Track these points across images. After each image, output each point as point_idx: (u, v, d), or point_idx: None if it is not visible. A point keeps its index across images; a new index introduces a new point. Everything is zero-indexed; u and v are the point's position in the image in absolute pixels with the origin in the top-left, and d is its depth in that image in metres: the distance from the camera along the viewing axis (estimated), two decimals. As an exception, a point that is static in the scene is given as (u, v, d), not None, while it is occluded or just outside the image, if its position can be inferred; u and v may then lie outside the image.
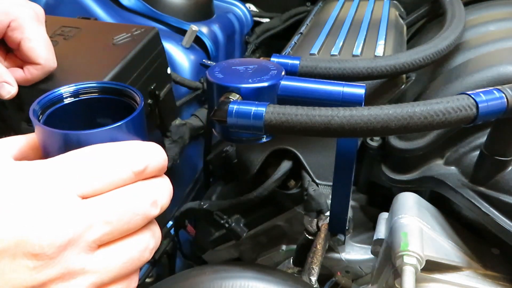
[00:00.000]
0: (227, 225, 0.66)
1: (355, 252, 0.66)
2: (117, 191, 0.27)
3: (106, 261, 0.26)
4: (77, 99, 0.32)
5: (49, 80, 0.52)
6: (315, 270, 0.55)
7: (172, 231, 0.79)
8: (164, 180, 0.30)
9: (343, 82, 0.43)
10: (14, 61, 0.51)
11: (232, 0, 1.07)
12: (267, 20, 1.11)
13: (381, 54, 0.63)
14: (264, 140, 0.45)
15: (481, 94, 0.39)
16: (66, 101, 0.31)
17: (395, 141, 0.60)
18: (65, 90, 0.31)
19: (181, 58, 0.81)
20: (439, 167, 0.56)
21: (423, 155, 0.58)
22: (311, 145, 0.62)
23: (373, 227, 0.61)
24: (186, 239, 0.86)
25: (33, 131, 0.29)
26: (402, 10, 0.93)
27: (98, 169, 0.26)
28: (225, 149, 0.69)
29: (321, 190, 0.62)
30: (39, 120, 0.29)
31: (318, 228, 0.60)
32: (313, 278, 0.54)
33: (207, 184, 0.85)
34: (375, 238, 0.52)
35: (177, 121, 0.74)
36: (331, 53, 0.65)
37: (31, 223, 0.23)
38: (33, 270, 0.23)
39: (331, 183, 0.60)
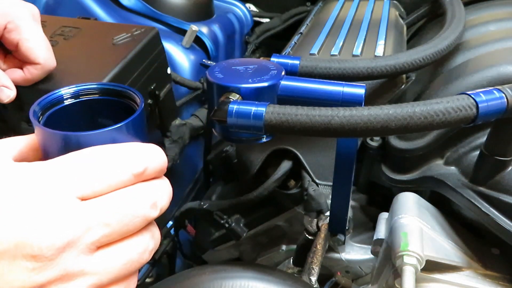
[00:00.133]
0: (227, 225, 0.66)
1: (355, 252, 0.66)
2: (116, 193, 0.27)
3: (105, 263, 0.26)
4: (77, 100, 0.32)
5: (49, 80, 0.52)
6: (315, 270, 0.55)
7: (172, 231, 0.79)
8: (164, 181, 0.30)
9: (343, 82, 0.43)
10: (13, 62, 0.51)
11: (232, 0, 1.07)
12: (267, 20, 1.11)
13: (381, 54, 0.63)
14: (264, 140, 0.45)
15: (481, 94, 0.39)
16: (67, 102, 0.31)
17: (395, 141, 0.60)
18: (66, 91, 0.31)
19: (181, 58, 0.81)
20: (439, 167, 0.56)
21: (423, 155, 0.58)
22: (311, 145, 0.62)
23: (373, 227, 0.61)
24: (186, 239, 0.86)
25: (33, 132, 0.29)
26: (402, 10, 0.93)
27: (97, 171, 0.26)
28: (225, 149, 0.69)
29: (321, 190, 0.62)
30: (39, 121, 0.29)
31: (318, 228, 0.60)
32: (313, 278, 0.54)
33: (207, 184, 0.85)
34: (375, 238, 0.52)
35: (177, 121, 0.74)
36: (331, 53, 0.65)
37: (30, 225, 0.23)
38: (32, 272, 0.23)
39: (331, 183, 0.60)
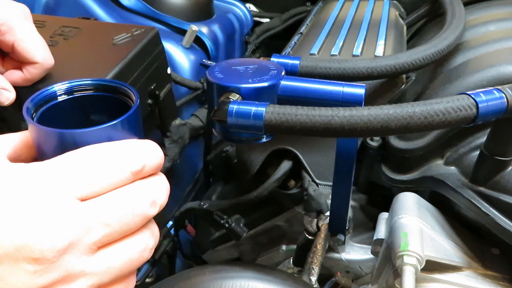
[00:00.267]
0: (227, 225, 0.66)
1: (355, 252, 0.66)
2: (115, 192, 0.26)
3: (106, 263, 0.26)
4: (71, 96, 0.31)
5: (48, 80, 0.52)
6: (315, 270, 0.55)
7: (172, 231, 0.79)
8: (161, 178, 0.29)
9: (343, 82, 0.43)
10: (11, 64, 0.50)
11: (232, 0, 1.07)
12: (267, 20, 1.11)
13: (381, 54, 0.63)
14: (264, 140, 0.45)
15: (481, 94, 0.39)
16: (60, 98, 0.31)
17: (395, 141, 0.60)
18: (59, 87, 0.31)
19: (181, 58, 0.81)
20: (439, 167, 0.56)
21: (423, 155, 0.58)
22: (311, 145, 0.62)
23: (373, 227, 0.61)
24: (186, 239, 0.86)
25: None
26: (402, 10, 0.93)
27: (96, 171, 0.26)
28: (225, 149, 0.69)
29: (321, 190, 0.62)
30: (32, 118, 0.28)
31: (318, 228, 0.60)
32: (313, 278, 0.54)
33: (207, 184, 0.85)
34: (375, 238, 0.52)
35: (177, 121, 0.74)
36: (331, 53, 0.65)
37: (31, 228, 0.23)
38: (34, 274, 0.23)
39: (331, 183, 0.60)
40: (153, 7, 0.85)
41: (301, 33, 0.77)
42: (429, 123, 0.37)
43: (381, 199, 0.66)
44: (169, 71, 0.69)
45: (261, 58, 0.50)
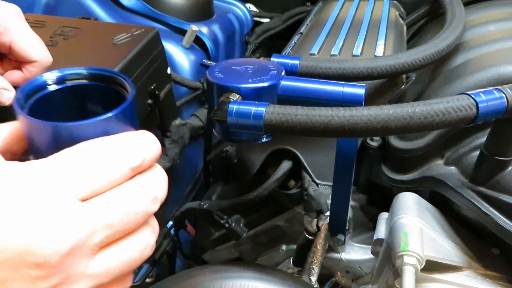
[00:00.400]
0: (227, 225, 0.66)
1: (355, 252, 0.66)
2: (116, 190, 0.26)
3: (106, 264, 0.25)
4: (62, 86, 0.29)
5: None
6: (315, 270, 0.55)
7: (172, 231, 0.79)
8: (159, 171, 0.28)
9: (343, 82, 0.43)
10: (10, 64, 0.50)
11: (232, 0, 1.07)
12: (267, 20, 1.11)
13: (381, 54, 0.63)
14: (264, 140, 0.45)
15: (481, 94, 0.39)
16: (51, 88, 0.29)
17: (395, 141, 0.60)
18: (49, 76, 0.29)
19: (181, 58, 0.81)
20: (439, 167, 0.56)
21: (423, 155, 0.58)
22: (311, 145, 0.62)
23: (373, 227, 0.61)
24: (186, 239, 0.86)
25: None
26: (402, 10, 0.93)
27: (96, 170, 0.25)
28: (225, 149, 0.69)
29: (321, 190, 0.62)
30: (22, 110, 0.27)
31: (318, 228, 0.60)
32: (313, 278, 0.54)
33: (207, 184, 0.85)
34: (375, 238, 0.52)
35: (177, 121, 0.74)
36: (331, 53, 0.65)
37: (33, 232, 0.23)
38: (36, 279, 0.23)
39: (331, 183, 0.60)
40: (153, 7, 0.85)
41: (301, 33, 0.77)
42: (429, 123, 0.37)
43: (381, 199, 0.66)
44: (169, 71, 0.69)
45: (261, 58, 0.50)
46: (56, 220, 0.23)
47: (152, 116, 0.66)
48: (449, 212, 0.54)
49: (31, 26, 0.49)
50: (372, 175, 0.65)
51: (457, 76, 0.57)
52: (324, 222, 0.59)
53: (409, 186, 0.59)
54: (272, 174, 0.63)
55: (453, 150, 0.56)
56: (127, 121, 0.27)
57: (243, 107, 0.39)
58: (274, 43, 1.07)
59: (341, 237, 0.59)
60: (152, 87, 0.63)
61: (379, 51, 0.64)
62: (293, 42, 0.73)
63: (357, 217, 0.66)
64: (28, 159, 0.28)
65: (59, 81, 0.29)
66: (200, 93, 0.82)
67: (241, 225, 0.67)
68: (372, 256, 0.58)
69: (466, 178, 0.51)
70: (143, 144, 0.27)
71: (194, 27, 0.81)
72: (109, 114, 0.26)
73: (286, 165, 0.64)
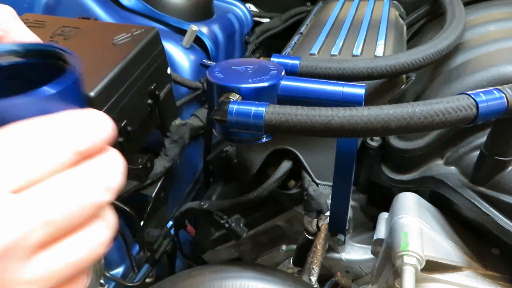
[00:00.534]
0: (227, 225, 0.66)
1: (355, 252, 0.66)
2: (58, 179, 0.21)
3: (48, 266, 0.21)
4: None
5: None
6: (315, 270, 0.55)
7: (172, 231, 0.79)
8: (113, 154, 0.24)
9: (343, 82, 0.43)
10: None
11: (232, 0, 1.07)
12: (267, 20, 1.11)
13: (381, 54, 0.63)
14: (264, 140, 0.45)
15: (481, 94, 0.39)
16: None
17: (395, 141, 0.60)
18: None
19: (181, 58, 0.81)
20: (439, 167, 0.56)
21: (423, 155, 0.58)
22: (311, 145, 0.62)
23: (373, 227, 0.61)
24: (186, 239, 0.86)
25: None
26: (402, 10, 0.93)
27: (32, 154, 0.21)
28: (225, 149, 0.69)
29: (321, 190, 0.62)
30: None
31: (318, 228, 0.60)
32: (313, 278, 0.54)
33: (207, 184, 0.85)
34: (375, 238, 0.52)
35: (177, 121, 0.74)
36: (331, 53, 0.65)
37: None
38: None
39: (331, 183, 0.60)
40: (153, 7, 0.85)
41: (301, 33, 0.77)
42: (429, 123, 0.37)
43: (381, 199, 0.66)
44: (169, 71, 0.69)
45: (261, 58, 0.50)
46: None
47: (152, 116, 0.66)
48: (449, 212, 0.54)
49: (31, 26, 0.49)
50: (372, 175, 0.65)
51: (457, 76, 0.57)
52: (324, 222, 0.59)
53: (409, 186, 0.59)
54: (272, 174, 0.63)
55: (453, 150, 0.56)
56: (72, 99, 0.23)
57: (243, 107, 0.39)
58: (274, 43, 1.07)
59: (341, 237, 0.60)
60: (152, 87, 0.63)
61: (379, 51, 0.64)
62: (293, 42, 0.73)
63: (357, 217, 0.66)
64: None
65: None
66: (200, 93, 0.82)
67: (241, 225, 0.67)
68: (372, 256, 0.58)
69: (466, 178, 0.51)
70: (92, 124, 0.23)
71: (194, 27, 0.81)
72: (47, 88, 0.22)
73: (286, 165, 0.64)
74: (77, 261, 0.22)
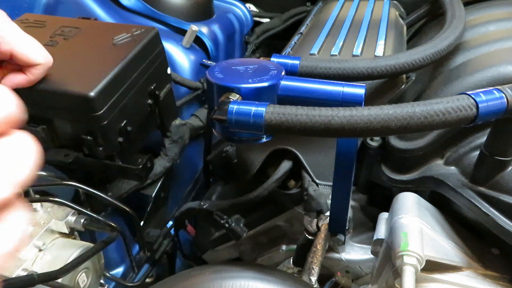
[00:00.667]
0: (227, 225, 0.66)
1: (355, 252, 0.66)
2: None
3: None
4: None
5: (48, 79, 0.52)
6: (315, 270, 0.55)
7: (172, 231, 0.79)
8: (18, 137, 0.19)
9: (343, 82, 0.43)
10: (10, 68, 0.49)
11: (232, 0, 1.07)
12: (267, 20, 1.11)
13: (381, 54, 0.63)
14: (264, 140, 0.45)
15: (481, 94, 0.39)
16: None
17: (395, 141, 0.60)
18: None
19: (181, 58, 0.81)
20: (439, 167, 0.56)
21: (423, 155, 0.58)
22: (311, 145, 0.62)
23: (373, 227, 0.61)
24: (186, 239, 0.86)
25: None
26: (402, 10, 0.93)
27: None
28: (225, 149, 0.69)
29: (321, 190, 0.62)
30: None
31: (318, 228, 0.60)
32: (313, 278, 0.54)
33: (207, 184, 0.85)
34: (375, 238, 0.52)
35: (177, 121, 0.74)
36: (331, 53, 0.65)
37: None
38: None
39: (331, 183, 0.60)
40: (153, 7, 0.85)
41: (301, 33, 0.77)
42: (429, 123, 0.37)
43: (381, 199, 0.66)
44: (169, 71, 0.69)
45: (261, 58, 0.50)
46: None
47: (152, 116, 0.66)
48: (449, 212, 0.54)
49: (31, 26, 0.49)
50: (372, 175, 0.65)
51: (457, 76, 0.57)
52: (324, 222, 0.59)
53: (409, 186, 0.59)
54: (272, 174, 0.63)
55: (453, 150, 0.56)
56: None
57: (243, 107, 0.39)
58: (274, 43, 1.07)
59: (341, 237, 0.60)
60: (152, 87, 0.63)
61: (379, 51, 0.64)
62: (293, 42, 0.73)
63: (357, 217, 0.66)
64: None
65: None
66: (200, 93, 0.82)
67: (241, 225, 0.67)
68: (372, 256, 0.58)
69: (466, 178, 0.51)
70: None
71: (194, 27, 0.81)
72: None
73: (286, 165, 0.64)
74: None
